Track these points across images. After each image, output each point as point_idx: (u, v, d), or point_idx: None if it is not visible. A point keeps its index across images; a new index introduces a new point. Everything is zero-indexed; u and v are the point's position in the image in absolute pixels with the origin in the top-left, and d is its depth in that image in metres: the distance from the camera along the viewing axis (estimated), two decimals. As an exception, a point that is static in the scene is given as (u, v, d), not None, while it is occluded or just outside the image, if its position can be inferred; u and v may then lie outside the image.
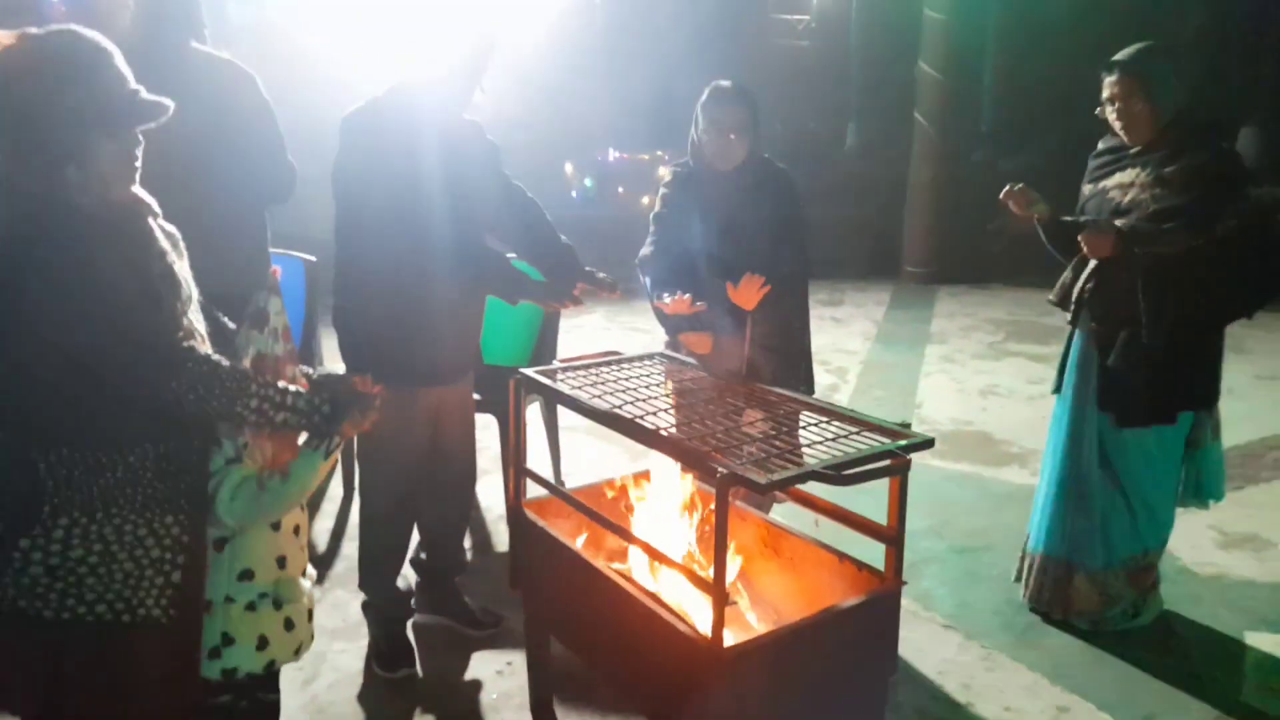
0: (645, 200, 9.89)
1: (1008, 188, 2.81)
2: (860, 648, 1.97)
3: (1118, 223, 2.59)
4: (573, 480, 4.17)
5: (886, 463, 1.80)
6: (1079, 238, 2.61)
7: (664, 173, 3.12)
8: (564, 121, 10.74)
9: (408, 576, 2.99)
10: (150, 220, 1.69)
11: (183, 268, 1.72)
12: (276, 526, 1.87)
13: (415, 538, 2.97)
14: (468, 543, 3.25)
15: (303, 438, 1.83)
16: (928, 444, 1.88)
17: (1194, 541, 3.57)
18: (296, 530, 1.95)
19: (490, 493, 3.94)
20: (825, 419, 2.03)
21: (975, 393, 5.52)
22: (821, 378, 5.61)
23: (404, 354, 2.59)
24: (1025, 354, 6.30)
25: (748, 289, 2.73)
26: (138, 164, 1.65)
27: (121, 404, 1.60)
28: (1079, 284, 2.75)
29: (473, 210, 2.61)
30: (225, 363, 1.67)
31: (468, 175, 2.62)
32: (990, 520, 3.80)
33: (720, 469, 1.70)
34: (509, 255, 2.77)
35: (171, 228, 1.75)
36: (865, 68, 16.17)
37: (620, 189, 10.19)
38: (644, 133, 11.89)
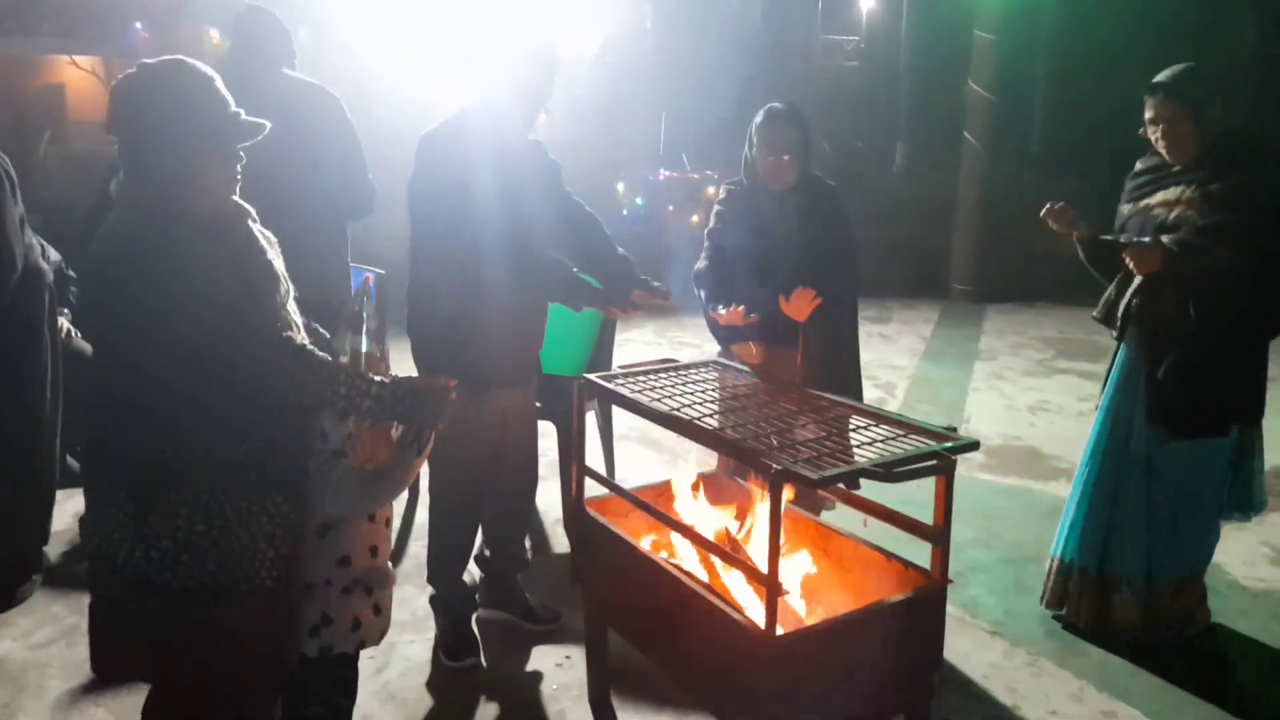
0: (694, 219, 10.03)
1: (1049, 205, 2.90)
2: (907, 641, 2.06)
3: (1164, 238, 2.67)
4: (624, 484, 4.30)
5: (933, 462, 1.90)
6: (1125, 254, 2.69)
7: (713, 191, 3.26)
8: (616, 142, 10.96)
9: (472, 573, 3.14)
10: (250, 223, 1.88)
11: (280, 265, 1.91)
12: (372, 518, 2.04)
13: (480, 537, 3.12)
14: (528, 543, 3.39)
15: (396, 433, 1.99)
16: (973, 446, 1.98)
17: (1245, 556, 3.58)
18: (387, 523, 2.12)
19: (548, 498, 4.08)
20: (874, 422, 2.14)
21: (1024, 408, 5.55)
22: (869, 392, 5.68)
23: (471, 358, 2.75)
24: (1075, 371, 6.31)
25: (800, 301, 2.85)
26: (239, 176, 1.85)
27: (234, 394, 1.77)
28: (1125, 300, 2.82)
29: (534, 224, 2.77)
30: (318, 352, 1.85)
31: (530, 192, 2.79)
32: (1037, 533, 3.84)
33: (774, 465, 1.82)
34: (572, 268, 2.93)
35: (268, 231, 1.94)
36: (914, 88, 16.23)
37: (670, 207, 10.35)
38: (693, 153, 12.06)
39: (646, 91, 11.99)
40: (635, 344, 6.99)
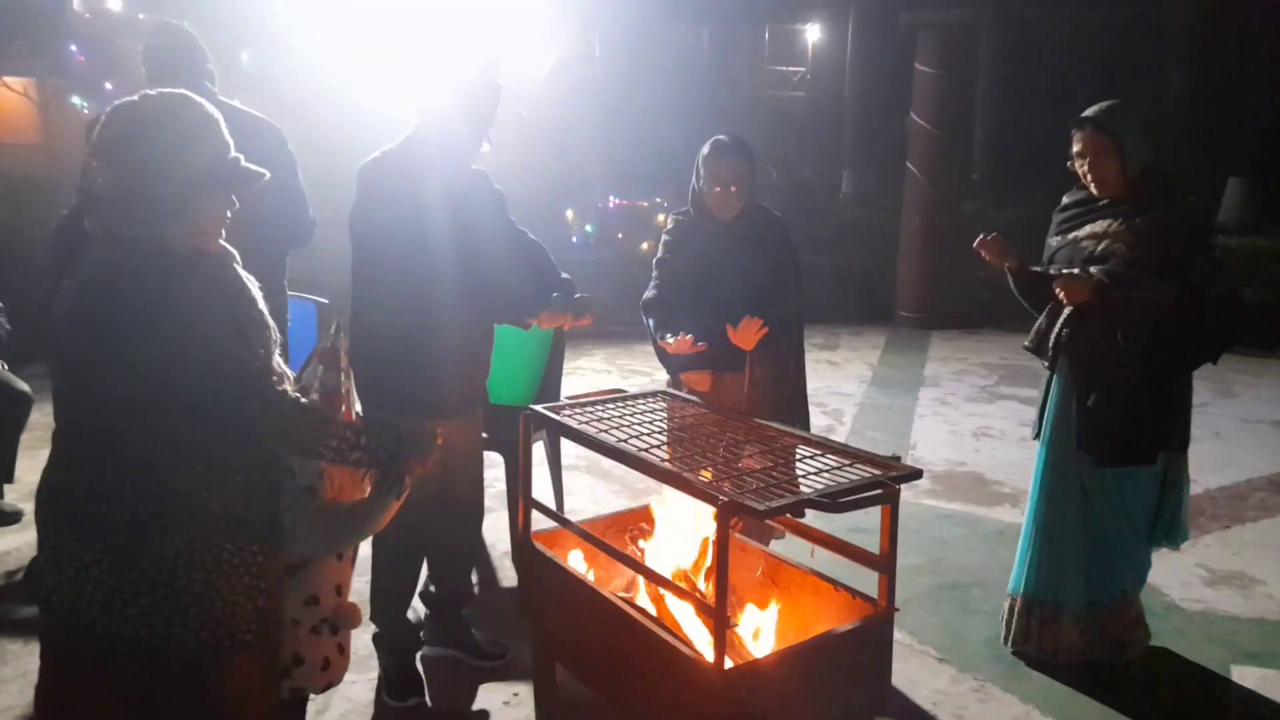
0: (644, 246, 10.07)
1: (980, 237, 2.96)
2: (855, 670, 2.06)
3: (1092, 270, 2.74)
4: (574, 515, 4.26)
5: (878, 491, 1.92)
6: (1055, 285, 2.75)
7: (664, 219, 3.29)
8: (564, 169, 10.97)
9: (417, 609, 3.07)
10: (236, 267, 1.81)
11: (268, 314, 1.83)
12: (340, 556, 1.99)
13: (424, 572, 3.06)
14: (474, 577, 3.33)
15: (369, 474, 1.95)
16: (915, 475, 2.00)
17: (1182, 579, 3.67)
18: (351, 560, 2.07)
19: (496, 530, 4.03)
20: (820, 452, 2.15)
21: (968, 434, 5.64)
22: (818, 419, 5.73)
23: (414, 388, 2.71)
24: (1017, 397, 6.43)
25: (746, 330, 2.87)
26: (228, 221, 1.78)
27: (221, 438, 1.71)
28: (1055, 330, 2.88)
29: (479, 251, 2.75)
30: (311, 406, 1.80)
31: (474, 220, 2.77)
32: (982, 558, 3.90)
33: (721, 497, 1.81)
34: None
35: (252, 277, 1.86)
36: (859, 118, 16.53)
37: (620, 234, 10.38)
38: (642, 180, 12.12)
39: (595, 117, 12.05)
40: (585, 372, 6.97)
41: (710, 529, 2.37)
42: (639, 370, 6.99)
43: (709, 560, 2.38)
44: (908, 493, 2.08)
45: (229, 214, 1.77)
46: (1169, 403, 2.81)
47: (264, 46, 8.00)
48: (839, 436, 5.59)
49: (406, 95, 2.79)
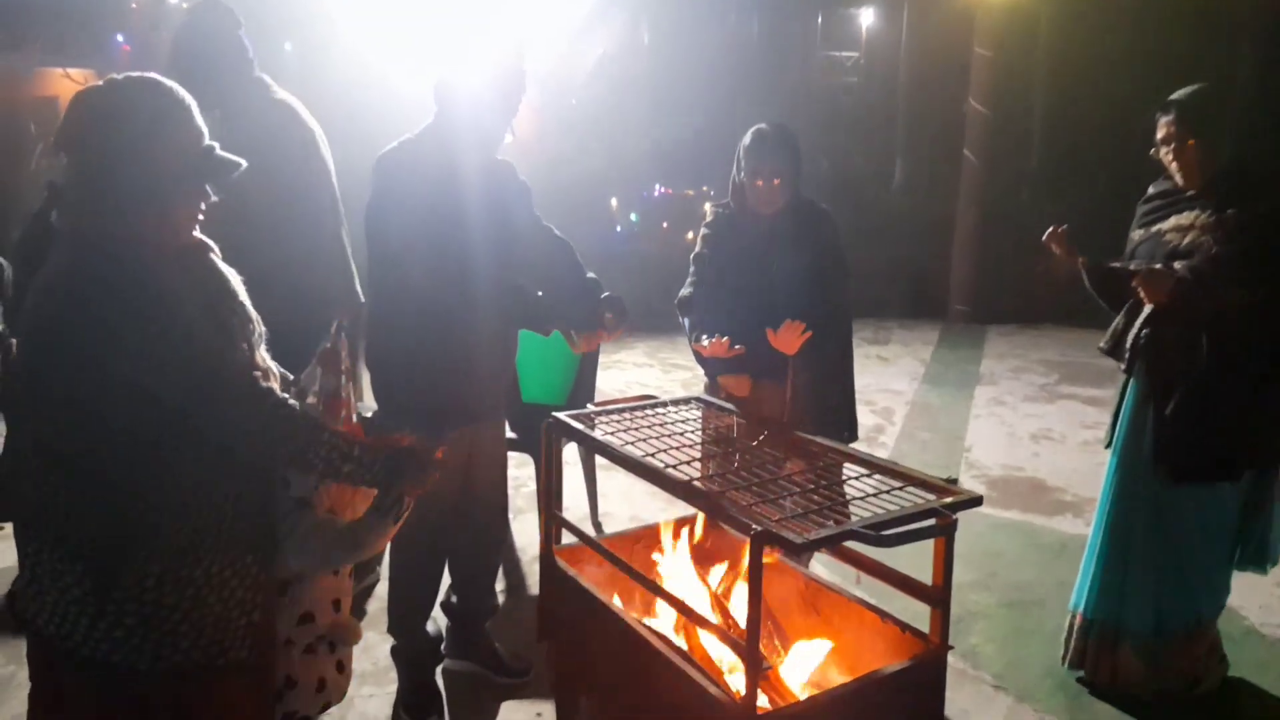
0: (689, 235, 9.88)
1: (1051, 229, 2.72)
2: (903, 714, 1.87)
3: (1176, 266, 2.49)
4: (610, 519, 4.11)
5: (931, 522, 1.71)
6: (1135, 282, 2.51)
7: (707, 210, 3.08)
8: (610, 157, 10.81)
9: (437, 621, 2.94)
10: (215, 259, 1.70)
11: (250, 305, 1.72)
12: (336, 570, 1.87)
13: (446, 580, 2.92)
14: (500, 585, 3.20)
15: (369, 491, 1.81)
16: (975, 502, 1.79)
17: (1262, 601, 3.38)
18: (350, 573, 1.94)
19: (526, 533, 3.88)
20: (868, 472, 1.95)
21: (1026, 437, 5.36)
22: (866, 418, 5.50)
23: (435, 393, 2.57)
24: (1079, 397, 6.12)
25: (788, 334, 2.67)
26: (202, 215, 1.66)
27: (203, 446, 1.59)
28: (1133, 331, 2.63)
29: (504, 249, 2.59)
30: (299, 407, 1.66)
31: (500, 215, 2.61)
32: (1041, 573, 3.65)
33: (754, 526, 1.63)
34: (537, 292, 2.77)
35: (231, 269, 1.74)
36: (913, 105, 16.11)
37: (665, 224, 10.19)
38: (689, 169, 11.92)
39: (643, 107, 11.86)
40: (626, 366, 6.80)
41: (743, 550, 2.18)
42: (681, 365, 6.80)
43: (741, 579, 2.20)
44: (912, 490, 1.86)
45: (204, 205, 1.64)
46: (1257, 414, 2.54)
47: (307, 35, 7.94)
48: (888, 437, 5.35)
49: (428, 84, 2.63)
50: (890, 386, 6.39)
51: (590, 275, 2.71)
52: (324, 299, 2.89)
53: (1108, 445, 2.77)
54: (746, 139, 2.86)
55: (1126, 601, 2.71)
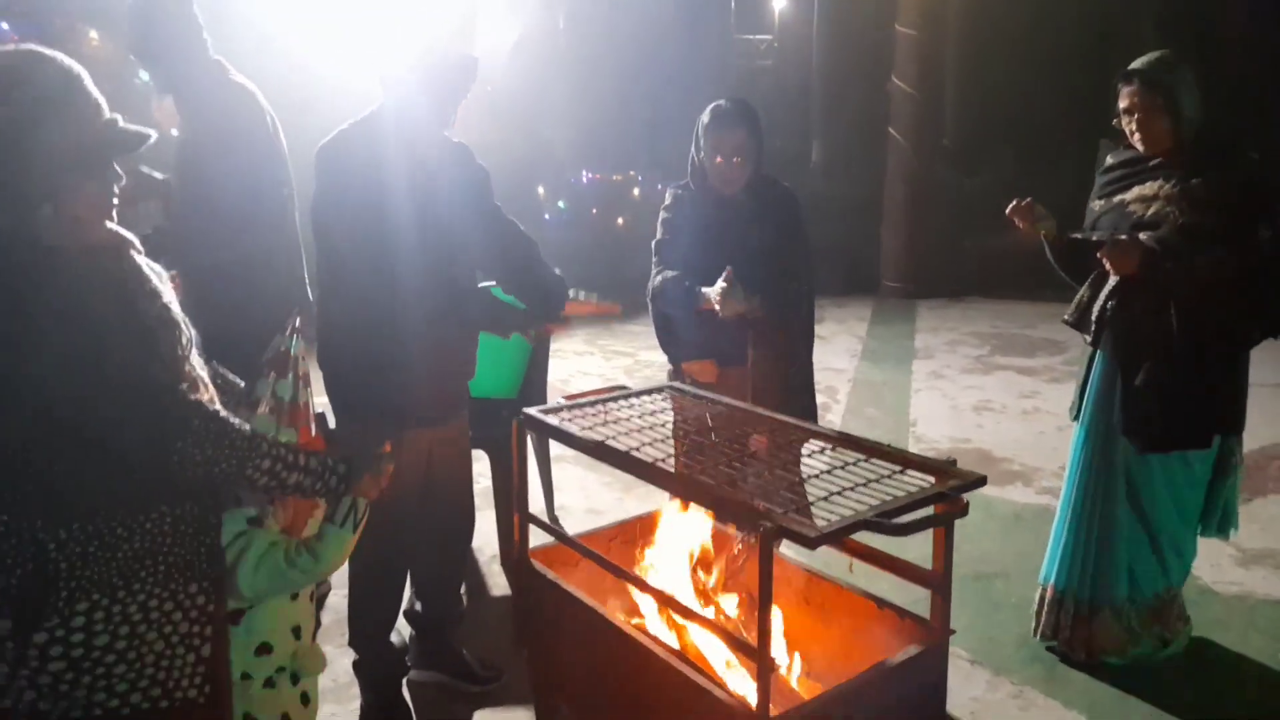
0: (620, 221, 9.77)
1: (1014, 203, 2.70)
2: (909, 704, 1.82)
3: (1141, 237, 2.49)
4: (566, 513, 4.00)
5: (934, 510, 1.66)
6: (1101, 253, 2.50)
7: (638, 194, 3.00)
8: (534, 144, 10.60)
9: (401, 631, 2.79)
10: (136, 257, 1.50)
11: (177, 307, 1.53)
12: (294, 595, 1.71)
13: (408, 589, 2.78)
14: (463, 590, 3.06)
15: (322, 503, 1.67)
16: (979, 482, 1.75)
17: (1213, 560, 3.47)
18: (312, 596, 1.79)
19: (483, 531, 3.73)
20: (864, 456, 1.89)
21: (968, 409, 5.43)
22: (812, 399, 5.51)
23: (388, 395, 2.42)
24: (1013, 367, 6.23)
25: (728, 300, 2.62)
26: (115, 199, 1.47)
27: (127, 470, 1.42)
28: (1099, 302, 2.63)
29: (455, 244, 2.44)
30: (233, 419, 1.50)
31: (450, 206, 2.45)
32: (1001, 544, 3.68)
33: (764, 522, 1.55)
34: (488, 284, 2.63)
35: (158, 266, 1.56)
36: (829, 86, 16.27)
37: (594, 210, 10.05)
38: (613, 153, 11.79)
39: (564, 91, 11.67)
40: (566, 354, 6.67)
41: (710, 528, 2.11)
42: (622, 351, 6.71)
43: (731, 575, 2.12)
44: (912, 474, 1.81)
45: (115, 189, 1.45)
46: (1224, 382, 2.57)
47: (222, 21, 7.54)
48: (835, 416, 5.36)
49: (372, 68, 2.46)
50: (831, 365, 6.41)
51: (556, 272, 2.58)
52: (285, 297, 2.74)
53: (1075, 417, 2.78)
54: (705, 116, 2.77)
55: (1098, 572, 2.72)
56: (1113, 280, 2.59)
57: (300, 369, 1.77)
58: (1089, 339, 2.69)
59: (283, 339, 1.74)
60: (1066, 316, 2.76)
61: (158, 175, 2.88)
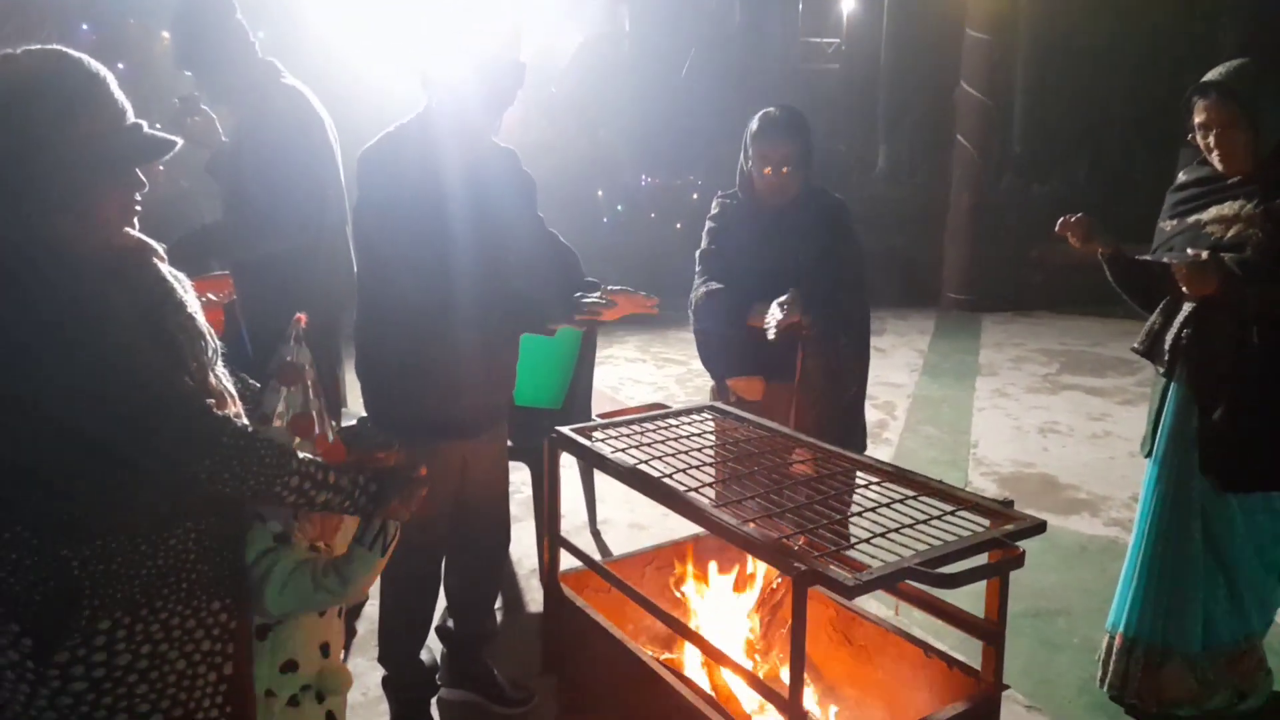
0: (678, 225, 9.67)
1: (1064, 218, 2.53)
2: (955, 763, 1.68)
3: (1224, 258, 2.31)
4: (609, 526, 3.92)
5: (995, 558, 1.52)
6: (1176, 274, 2.32)
7: (696, 198, 2.89)
8: (593, 147, 10.58)
9: (432, 648, 2.74)
10: (159, 264, 1.46)
11: (201, 317, 1.49)
12: (323, 612, 1.67)
13: (441, 603, 2.72)
14: (496, 603, 2.99)
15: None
16: (1038, 529, 1.61)
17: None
18: (340, 612, 1.74)
19: (523, 542, 3.67)
20: (914, 493, 1.76)
21: (1033, 430, 5.20)
22: (869, 414, 5.31)
23: (427, 406, 2.36)
24: (1082, 387, 5.97)
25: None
26: (138, 206, 1.42)
27: (151, 485, 1.38)
28: (1173, 330, 2.45)
29: (503, 251, 2.38)
30: (261, 434, 1.44)
31: (494, 216, 2.39)
32: (1063, 578, 3.49)
33: (797, 564, 1.43)
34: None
35: (180, 273, 1.51)
36: (896, 91, 15.99)
37: (652, 214, 9.98)
38: (672, 158, 11.70)
39: (625, 95, 11.62)
40: (618, 361, 6.60)
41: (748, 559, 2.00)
42: (674, 359, 6.60)
43: (769, 608, 2.01)
44: (964, 515, 1.67)
45: (138, 196, 1.41)
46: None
47: (280, 24, 7.64)
48: (892, 433, 5.18)
49: (415, 72, 2.41)
50: (889, 379, 6.22)
51: (590, 280, 2.50)
52: (336, 294, 2.74)
53: (1148, 454, 2.59)
54: (754, 124, 2.66)
55: (1172, 619, 2.53)
56: (1188, 306, 2.41)
57: (308, 376, 1.71)
58: (1162, 369, 2.50)
59: (288, 347, 1.68)
60: (1136, 344, 2.57)
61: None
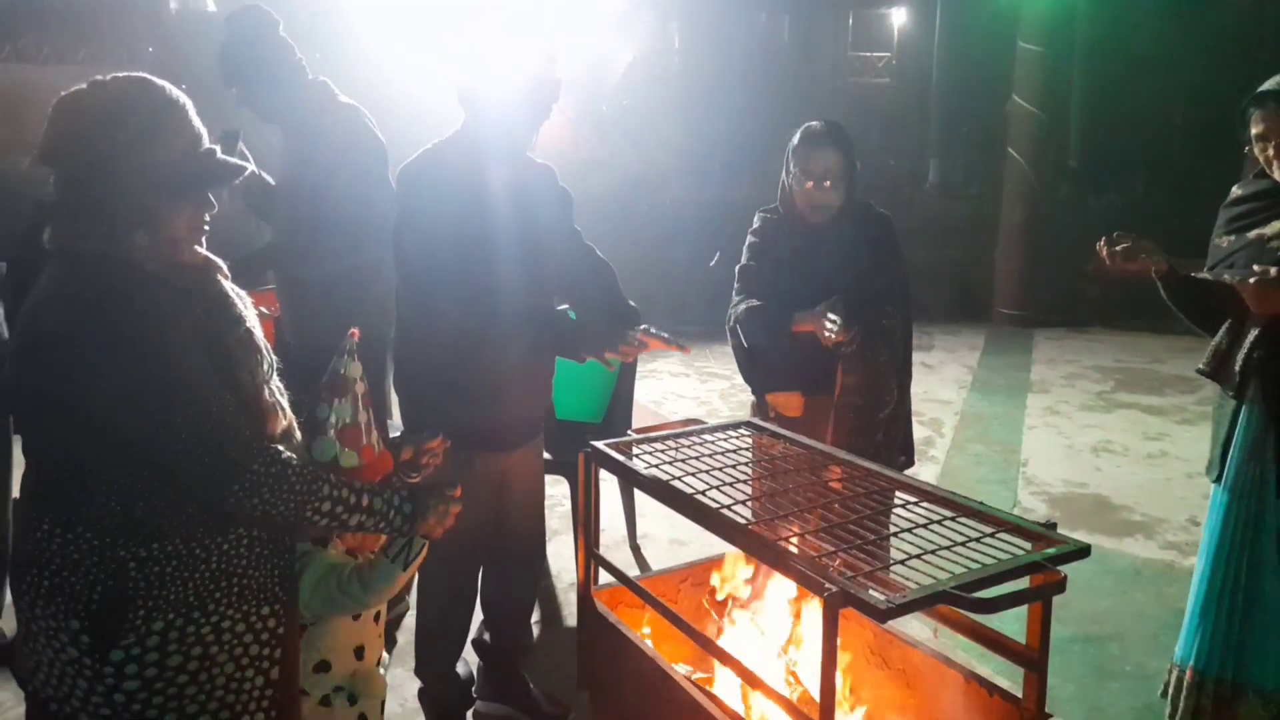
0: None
1: (1106, 239, 2.42)
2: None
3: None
4: (649, 541, 3.90)
5: (1036, 583, 1.48)
6: (1244, 292, 2.23)
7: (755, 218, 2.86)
8: (642, 163, 10.62)
9: (468, 660, 2.74)
10: (223, 281, 1.53)
11: (260, 333, 1.55)
12: (357, 615, 1.70)
13: (478, 616, 2.73)
14: (534, 616, 3.00)
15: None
16: (1082, 553, 1.56)
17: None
18: (377, 616, 1.77)
19: (563, 556, 3.67)
20: (952, 514, 1.72)
21: (1086, 450, 5.06)
22: (915, 430, 5.23)
23: (466, 419, 2.37)
24: (1138, 405, 5.81)
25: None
26: (207, 226, 1.50)
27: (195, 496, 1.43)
28: (1243, 350, 2.35)
29: (537, 269, 2.39)
30: (295, 460, 1.48)
31: (534, 230, 2.40)
32: (1116, 602, 3.38)
33: (829, 585, 1.41)
34: (563, 308, 2.58)
35: (242, 290, 1.59)
36: (947, 104, 15.83)
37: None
38: (722, 173, 11.70)
39: (675, 110, 11.66)
40: (661, 375, 6.58)
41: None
42: (719, 374, 6.56)
43: (805, 632, 1.98)
44: (1005, 537, 1.62)
45: (207, 216, 1.49)
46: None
47: (334, 45, 7.80)
48: (939, 450, 5.09)
49: (458, 91, 2.44)
50: (937, 395, 6.12)
51: (631, 304, 2.50)
52: (390, 309, 2.78)
53: (1215, 479, 2.48)
54: (795, 138, 2.64)
55: (1246, 653, 2.41)
56: (1256, 327, 2.31)
57: (359, 389, 1.74)
58: (1231, 392, 2.40)
59: (340, 361, 1.72)
60: (1202, 365, 2.47)
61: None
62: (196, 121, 1.47)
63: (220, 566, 1.44)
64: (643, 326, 2.33)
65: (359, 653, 1.76)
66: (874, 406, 2.66)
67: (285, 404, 1.59)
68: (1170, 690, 2.54)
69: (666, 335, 2.29)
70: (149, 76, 1.46)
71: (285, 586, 1.55)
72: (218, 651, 1.44)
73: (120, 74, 1.45)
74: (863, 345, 2.55)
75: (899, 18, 19.72)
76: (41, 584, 1.41)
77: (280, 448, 1.48)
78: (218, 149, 1.49)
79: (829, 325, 2.44)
